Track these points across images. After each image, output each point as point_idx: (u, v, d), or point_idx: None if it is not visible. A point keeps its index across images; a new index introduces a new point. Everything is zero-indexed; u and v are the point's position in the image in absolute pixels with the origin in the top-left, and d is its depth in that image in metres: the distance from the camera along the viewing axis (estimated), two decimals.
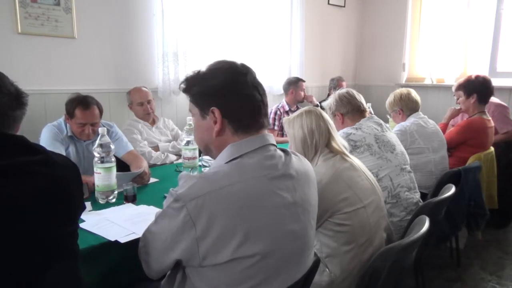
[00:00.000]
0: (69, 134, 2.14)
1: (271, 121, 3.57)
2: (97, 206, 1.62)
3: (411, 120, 2.47)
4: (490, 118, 2.73)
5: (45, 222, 0.84)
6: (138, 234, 1.23)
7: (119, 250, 1.26)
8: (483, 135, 2.64)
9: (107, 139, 1.67)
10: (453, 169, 2.32)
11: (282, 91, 3.76)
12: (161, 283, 1.08)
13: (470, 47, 4.15)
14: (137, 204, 1.65)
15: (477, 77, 2.73)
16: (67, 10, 2.67)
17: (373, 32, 4.88)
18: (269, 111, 2.27)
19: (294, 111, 3.35)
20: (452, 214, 2.10)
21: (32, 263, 0.82)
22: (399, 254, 1.24)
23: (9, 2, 2.45)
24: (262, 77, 1.06)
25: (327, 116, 1.57)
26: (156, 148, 2.71)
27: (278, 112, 3.61)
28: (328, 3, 4.54)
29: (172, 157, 2.69)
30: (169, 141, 2.82)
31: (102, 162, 1.65)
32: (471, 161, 2.51)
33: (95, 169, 1.66)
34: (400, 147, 1.98)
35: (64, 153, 2.06)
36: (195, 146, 2.08)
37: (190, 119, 2.05)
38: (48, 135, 2.09)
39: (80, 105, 2.06)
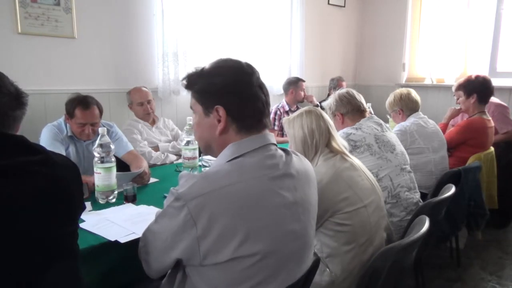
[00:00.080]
0: (69, 134, 2.14)
1: (271, 121, 3.57)
2: (97, 206, 1.62)
3: (411, 120, 2.47)
4: (490, 118, 2.73)
5: (45, 222, 0.84)
6: (138, 234, 1.23)
7: (119, 250, 1.26)
8: (483, 135, 2.64)
9: (107, 139, 1.67)
10: (453, 169, 2.32)
11: (282, 91, 3.76)
12: (161, 282, 1.08)
13: (470, 47, 4.15)
14: (137, 204, 1.65)
15: (477, 77, 2.73)
16: (67, 10, 2.67)
17: (373, 32, 4.88)
18: None
19: (294, 111, 3.34)
20: (452, 214, 2.10)
21: (32, 263, 0.82)
22: (399, 254, 1.24)
23: (9, 2, 2.45)
24: (262, 77, 1.06)
25: (327, 116, 1.57)
26: (156, 148, 2.71)
27: (278, 112, 3.61)
28: (328, 3, 4.54)
29: (172, 157, 2.69)
30: (169, 141, 2.82)
31: (102, 162, 1.65)
32: (471, 161, 2.51)
33: (95, 169, 1.66)
34: (400, 147, 1.98)
35: (64, 153, 2.06)
36: (195, 146, 2.08)
37: (190, 119, 2.05)
38: (48, 135, 2.09)
39: (80, 105, 2.06)
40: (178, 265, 0.97)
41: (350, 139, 1.88)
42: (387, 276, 1.23)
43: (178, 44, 3.15)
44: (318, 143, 1.50)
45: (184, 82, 1.04)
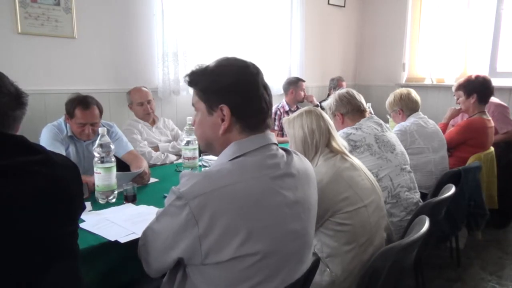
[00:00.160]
0: (69, 134, 2.14)
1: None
2: (97, 206, 1.62)
3: (411, 120, 2.47)
4: (490, 118, 2.73)
5: (45, 222, 0.84)
6: (138, 234, 1.23)
7: (119, 250, 1.26)
8: (483, 135, 2.64)
9: (107, 139, 1.67)
10: (453, 169, 2.32)
11: (282, 91, 3.76)
12: (161, 282, 1.08)
13: (470, 47, 4.14)
14: (137, 204, 1.65)
15: (477, 77, 2.73)
16: (67, 10, 2.67)
17: (373, 32, 4.88)
18: None
19: (294, 111, 3.34)
20: (452, 214, 2.10)
21: (32, 263, 0.81)
22: (399, 254, 1.24)
23: (9, 2, 2.45)
24: None
25: (327, 116, 1.57)
26: (156, 148, 2.71)
27: (278, 112, 3.61)
28: (328, 3, 4.54)
29: (172, 157, 2.69)
30: (169, 141, 2.82)
31: (102, 162, 1.65)
32: (471, 161, 2.51)
33: (95, 169, 1.66)
34: (400, 147, 1.98)
35: (64, 153, 2.06)
36: (195, 146, 2.08)
37: (190, 119, 2.05)
38: (48, 135, 2.09)
39: (80, 105, 2.06)
40: (179, 264, 0.97)
41: (350, 139, 1.88)
42: (387, 276, 1.23)
43: (178, 44, 3.15)
44: (318, 143, 1.50)
45: (187, 79, 1.03)
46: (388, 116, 2.81)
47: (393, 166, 1.87)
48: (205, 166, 2.22)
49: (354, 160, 1.53)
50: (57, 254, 0.87)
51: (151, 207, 1.60)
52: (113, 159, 1.69)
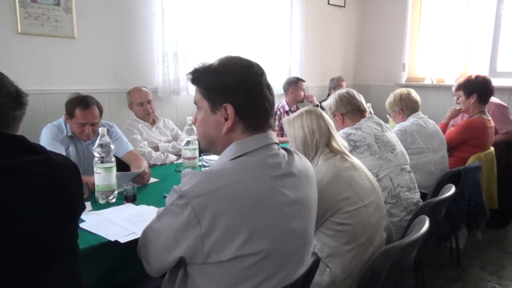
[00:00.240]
0: (69, 134, 2.14)
1: None
2: (97, 206, 1.62)
3: (411, 120, 2.47)
4: (490, 118, 2.73)
5: (45, 222, 0.84)
6: (138, 234, 1.22)
7: (119, 250, 1.26)
8: (483, 135, 2.64)
9: (107, 139, 1.67)
10: (453, 169, 2.32)
11: (282, 91, 3.76)
12: (161, 282, 1.08)
13: (470, 47, 4.14)
14: (137, 204, 1.65)
15: (477, 77, 2.73)
16: (67, 10, 2.67)
17: (373, 32, 4.88)
18: None
19: (294, 111, 3.34)
20: (452, 214, 2.10)
21: (32, 263, 0.81)
22: (399, 254, 1.24)
23: (9, 2, 2.45)
24: None
25: (327, 116, 1.57)
26: (156, 148, 2.71)
27: (278, 112, 3.61)
28: (328, 3, 4.54)
29: (172, 157, 2.69)
30: (169, 141, 2.82)
31: (102, 162, 1.65)
32: (471, 161, 2.51)
33: (95, 169, 1.66)
34: (400, 147, 1.98)
35: (64, 153, 2.06)
36: (195, 146, 2.08)
37: (190, 119, 2.05)
38: (48, 135, 2.09)
39: (80, 105, 2.06)
40: (180, 263, 0.97)
41: (350, 139, 1.88)
42: (387, 276, 1.23)
43: (178, 44, 3.15)
44: (319, 143, 1.50)
45: (190, 76, 1.02)
46: (388, 116, 2.81)
47: (393, 166, 1.87)
48: (205, 166, 2.22)
49: (354, 160, 1.53)
50: (57, 254, 0.87)
51: (151, 207, 1.59)
52: (113, 159, 1.69)
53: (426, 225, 1.33)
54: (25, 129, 1.05)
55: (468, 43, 4.14)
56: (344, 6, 4.70)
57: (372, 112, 2.47)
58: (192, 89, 3.25)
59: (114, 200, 1.68)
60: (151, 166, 2.40)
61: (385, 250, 1.25)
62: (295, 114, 1.59)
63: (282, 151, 1.02)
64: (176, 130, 2.94)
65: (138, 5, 3.01)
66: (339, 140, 1.56)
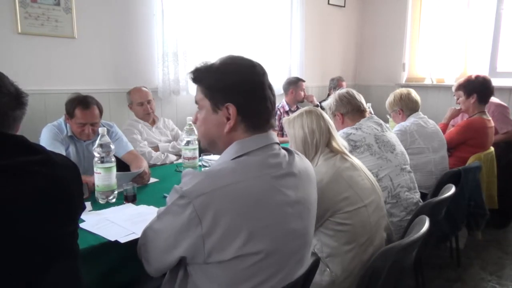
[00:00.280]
0: (69, 134, 2.14)
1: None
2: (97, 206, 1.62)
3: (411, 120, 2.47)
4: (490, 118, 2.73)
5: (45, 222, 0.84)
6: (138, 234, 1.22)
7: (119, 250, 1.26)
8: (483, 135, 2.64)
9: (107, 139, 1.67)
10: (453, 169, 2.32)
11: (282, 91, 3.76)
12: (161, 282, 1.08)
13: (470, 47, 4.14)
14: (137, 204, 1.65)
15: (477, 77, 2.73)
16: (67, 10, 2.67)
17: (373, 32, 4.88)
18: None
19: (294, 111, 3.33)
20: (452, 214, 2.10)
21: (32, 263, 0.81)
22: (399, 254, 1.24)
23: (9, 2, 2.45)
24: None
25: (327, 116, 1.57)
26: (156, 148, 2.71)
27: (278, 112, 3.60)
28: (328, 3, 4.54)
29: (172, 157, 2.69)
30: (169, 141, 2.82)
31: (102, 162, 1.65)
32: (471, 161, 2.51)
33: (95, 169, 1.66)
34: (400, 147, 1.98)
35: (64, 153, 2.06)
36: (195, 146, 2.08)
37: (190, 119, 2.05)
38: (48, 135, 2.09)
39: (80, 105, 2.06)
40: (180, 263, 0.97)
41: (350, 139, 1.88)
42: (387, 276, 1.23)
43: (178, 44, 3.15)
44: (319, 143, 1.50)
45: (191, 75, 1.02)
46: (388, 116, 2.81)
47: (393, 166, 1.87)
48: (205, 166, 2.22)
49: (354, 160, 1.53)
50: (57, 254, 0.87)
51: (151, 207, 1.59)
52: (113, 159, 1.69)
53: (426, 225, 1.33)
54: (25, 129, 1.05)
55: (468, 43, 4.14)
56: (344, 6, 4.70)
57: (372, 112, 2.47)
58: (192, 89, 3.29)
59: (114, 200, 1.68)
60: (151, 166, 2.40)
61: (385, 250, 1.25)
62: (295, 114, 1.59)
63: (283, 151, 1.02)
64: (176, 130, 2.94)
65: (138, 5, 3.01)
66: (339, 140, 1.56)
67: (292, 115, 1.61)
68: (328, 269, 1.40)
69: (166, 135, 2.85)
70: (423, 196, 2.08)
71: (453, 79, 4.07)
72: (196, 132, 2.05)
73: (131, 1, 2.97)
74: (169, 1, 3.04)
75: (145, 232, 1.02)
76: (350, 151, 1.76)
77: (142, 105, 2.73)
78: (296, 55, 4.09)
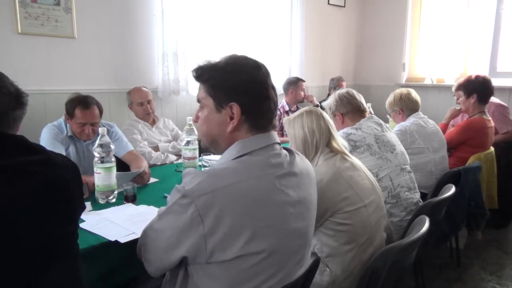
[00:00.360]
0: (69, 134, 2.14)
1: None
2: (97, 206, 1.62)
3: (411, 120, 2.47)
4: (490, 118, 2.73)
5: (45, 222, 0.84)
6: (138, 234, 1.22)
7: (119, 250, 1.26)
8: (483, 135, 2.64)
9: (107, 139, 1.67)
10: (453, 169, 2.32)
11: (282, 91, 3.76)
12: (161, 282, 1.08)
13: (470, 47, 4.14)
14: (137, 204, 1.65)
15: (477, 77, 2.73)
16: (67, 10, 2.67)
17: (373, 32, 4.88)
18: None
19: (294, 111, 3.33)
20: (452, 214, 2.10)
21: (32, 263, 0.81)
22: (399, 254, 1.24)
23: (9, 2, 2.45)
24: None
25: (327, 116, 1.57)
26: (156, 148, 2.70)
27: (278, 112, 3.60)
28: (328, 3, 4.54)
29: (172, 157, 2.69)
30: (169, 141, 2.82)
31: (102, 162, 1.65)
32: (471, 161, 2.52)
33: (95, 169, 1.66)
34: (400, 147, 1.98)
35: (64, 153, 2.06)
36: (195, 146, 2.08)
37: (190, 119, 2.05)
38: (48, 135, 2.10)
39: (80, 105, 2.06)
40: (181, 263, 0.96)
41: (350, 139, 1.88)
42: (387, 276, 1.23)
43: (178, 44, 3.15)
44: (319, 143, 1.50)
45: (195, 73, 1.01)
46: (388, 116, 2.81)
47: (393, 166, 1.87)
48: (205, 166, 2.22)
49: (354, 160, 1.53)
50: (57, 254, 0.87)
51: (151, 207, 1.59)
52: (113, 159, 1.69)
53: (426, 225, 1.33)
54: (25, 129, 1.05)
55: (468, 43, 4.14)
56: (344, 6, 4.70)
57: (372, 112, 2.47)
58: (192, 89, 3.29)
59: (114, 200, 1.68)
60: (151, 166, 2.40)
61: (385, 250, 1.25)
62: (296, 114, 1.59)
63: (284, 151, 1.02)
64: (176, 130, 2.94)
65: (138, 5, 3.01)
66: (339, 140, 1.56)
67: (292, 115, 1.61)
68: (328, 269, 1.40)
69: (166, 135, 2.85)
70: (423, 196, 2.08)
71: (453, 79, 4.07)
72: (196, 132, 2.05)
73: (131, 1, 2.97)
74: (169, 1, 3.04)
75: (145, 232, 1.01)
76: (350, 151, 1.76)
77: (142, 105, 2.73)
78: (296, 55, 4.09)
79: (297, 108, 3.59)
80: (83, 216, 1.41)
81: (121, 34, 2.96)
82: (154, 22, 3.07)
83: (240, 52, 1.06)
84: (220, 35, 3.53)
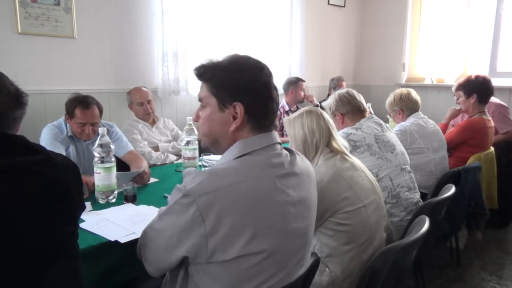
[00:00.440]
0: (69, 134, 2.14)
1: None
2: (97, 206, 1.62)
3: (411, 120, 2.47)
4: (490, 118, 2.73)
5: (45, 222, 0.84)
6: (138, 234, 1.22)
7: (119, 250, 1.26)
8: (483, 135, 2.64)
9: (107, 139, 1.67)
10: (453, 169, 2.32)
11: (282, 91, 3.76)
12: (161, 282, 1.08)
13: (470, 47, 4.14)
14: (137, 204, 1.65)
15: (477, 77, 2.73)
16: (67, 10, 2.67)
17: (373, 32, 4.88)
18: None
19: (294, 111, 3.33)
20: (452, 214, 2.10)
21: (32, 263, 0.81)
22: (399, 254, 1.24)
23: (9, 2, 2.45)
24: None
25: (327, 116, 1.57)
26: (156, 149, 2.70)
27: (278, 112, 3.59)
28: (328, 3, 4.54)
29: (172, 157, 2.69)
30: (169, 141, 2.82)
31: (102, 162, 1.65)
32: (471, 161, 2.52)
33: (95, 169, 1.66)
34: (400, 147, 1.98)
35: (64, 153, 2.06)
36: (195, 146, 2.08)
37: (190, 119, 2.05)
38: (48, 135, 2.10)
39: (80, 105, 2.06)
40: (181, 263, 0.96)
41: (350, 139, 1.88)
42: (387, 276, 1.23)
43: (177, 44, 3.15)
44: (319, 143, 1.50)
45: (197, 72, 1.00)
46: (388, 116, 2.81)
47: (393, 166, 1.87)
48: (205, 166, 2.22)
49: (354, 160, 1.53)
50: (57, 254, 0.87)
51: (151, 207, 1.59)
52: (113, 159, 1.69)
53: (426, 225, 1.33)
54: (25, 129, 1.05)
55: (468, 43, 4.14)
56: (344, 6, 4.70)
57: (372, 112, 2.47)
58: (192, 89, 3.29)
59: (114, 200, 1.68)
60: (151, 166, 2.40)
61: (385, 250, 1.25)
62: (296, 114, 1.59)
63: (285, 151, 1.02)
64: (176, 130, 2.94)
65: (138, 5, 3.01)
66: (339, 140, 1.56)
67: (292, 115, 1.61)
68: (327, 269, 1.40)
69: (166, 135, 2.86)
70: (423, 196, 2.08)
71: (453, 79, 4.07)
72: (196, 132, 2.05)
73: (131, 1, 2.97)
74: (169, 1, 3.04)
75: (145, 232, 1.01)
76: (350, 151, 1.76)
77: (142, 105, 2.73)
78: (296, 55, 4.09)
79: (297, 108, 3.59)
80: (83, 216, 1.41)
81: (121, 34, 2.96)
82: (154, 22, 3.07)
83: (240, 52, 1.06)
84: (220, 35, 3.53)
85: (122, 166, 2.12)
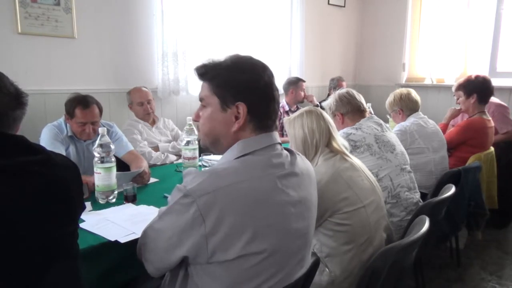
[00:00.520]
0: (69, 134, 2.14)
1: None
2: (97, 206, 1.62)
3: (411, 120, 2.47)
4: (490, 118, 2.73)
5: (45, 222, 0.84)
6: (138, 234, 1.22)
7: (119, 250, 1.26)
8: (483, 135, 2.64)
9: (107, 139, 1.67)
10: (453, 169, 2.32)
11: (282, 91, 3.76)
12: (161, 282, 1.08)
13: (470, 47, 4.14)
14: (137, 204, 1.65)
15: (477, 77, 2.73)
16: (67, 10, 2.67)
17: (373, 32, 4.88)
18: None
19: (294, 111, 3.33)
20: (452, 214, 2.10)
21: (32, 263, 0.81)
22: (399, 254, 1.24)
23: (9, 2, 2.45)
24: None
25: (327, 116, 1.57)
26: (156, 149, 2.71)
27: (278, 112, 3.60)
28: (328, 3, 4.54)
29: (172, 157, 2.69)
30: (169, 141, 2.82)
31: (102, 162, 1.65)
32: (471, 161, 2.52)
33: (95, 169, 1.66)
34: (400, 147, 1.98)
35: (64, 153, 2.06)
36: (195, 146, 2.08)
37: (190, 119, 2.05)
38: (49, 135, 2.10)
39: (80, 104, 2.06)
40: (181, 263, 0.96)
41: (350, 139, 1.88)
42: (387, 276, 1.23)
43: (177, 44, 3.15)
44: (319, 143, 1.50)
45: (198, 72, 1.00)
46: (388, 116, 2.81)
47: (393, 166, 1.87)
48: (205, 166, 2.22)
49: (354, 160, 1.53)
50: (57, 254, 0.87)
51: (151, 207, 1.59)
52: (113, 159, 1.69)
53: (426, 225, 1.33)
54: (25, 129, 1.05)
55: (468, 43, 4.14)
56: (344, 6, 4.70)
57: (372, 112, 2.47)
58: (192, 89, 3.29)
59: (114, 200, 1.68)
60: (151, 166, 2.40)
61: (385, 250, 1.25)
62: (296, 114, 1.59)
63: (285, 151, 1.02)
64: (176, 130, 2.94)
65: (138, 5, 3.01)
66: (339, 140, 1.56)
67: (292, 115, 1.61)
68: (327, 269, 1.40)
69: (166, 135, 2.86)
70: (423, 196, 2.08)
71: (453, 79, 4.07)
72: (196, 132, 2.05)
73: (131, 1, 2.97)
74: (169, 1, 3.04)
75: (145, 232, 1.01)
76: (350, 151, 1.76)
77: (142, 105, 2.73)
78: (296, 55, 4.09)
79: (297, 108, 3.59)
80: (83, 216, 1.41)
81: (121, 34, 2.96)
82: (154, 22, 3.07)
83: (240, 52, 1.06)
84: (220, 35, 3.53)
85: (122, 166, 2.12)
